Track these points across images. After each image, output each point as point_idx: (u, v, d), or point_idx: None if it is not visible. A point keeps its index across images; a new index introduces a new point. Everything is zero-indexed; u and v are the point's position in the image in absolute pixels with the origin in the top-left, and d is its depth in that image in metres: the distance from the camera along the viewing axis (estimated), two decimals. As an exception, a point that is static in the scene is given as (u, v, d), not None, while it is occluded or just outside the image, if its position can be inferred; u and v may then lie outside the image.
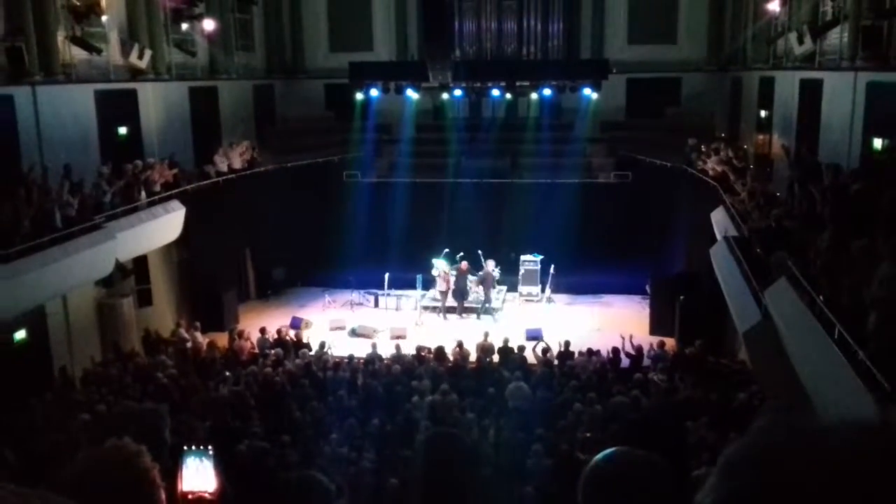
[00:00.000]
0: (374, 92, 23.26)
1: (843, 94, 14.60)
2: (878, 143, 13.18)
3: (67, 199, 14.77)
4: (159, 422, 2.97)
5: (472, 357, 16.48)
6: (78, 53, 17.21)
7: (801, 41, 17.02)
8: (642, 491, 1.83)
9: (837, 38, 15.76)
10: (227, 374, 15.26)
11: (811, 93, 16.46)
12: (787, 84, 18.20)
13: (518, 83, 23.44)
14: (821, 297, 9.02)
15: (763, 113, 20.42)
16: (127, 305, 17.60)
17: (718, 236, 15.49)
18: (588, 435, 11.56)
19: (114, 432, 2.12)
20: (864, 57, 13.79)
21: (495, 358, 16.37)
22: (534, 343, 17.26)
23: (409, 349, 16.75)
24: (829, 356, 8.17)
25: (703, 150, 20.08)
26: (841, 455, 0.89)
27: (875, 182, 12.03)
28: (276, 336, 17.68)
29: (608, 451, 1.89)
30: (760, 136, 20.48)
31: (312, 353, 16.71)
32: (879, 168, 12.73)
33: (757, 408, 11.90)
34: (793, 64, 18.00)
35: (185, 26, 21.66)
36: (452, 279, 20.84)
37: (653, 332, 18.89)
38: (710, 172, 18.67)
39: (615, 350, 16.16)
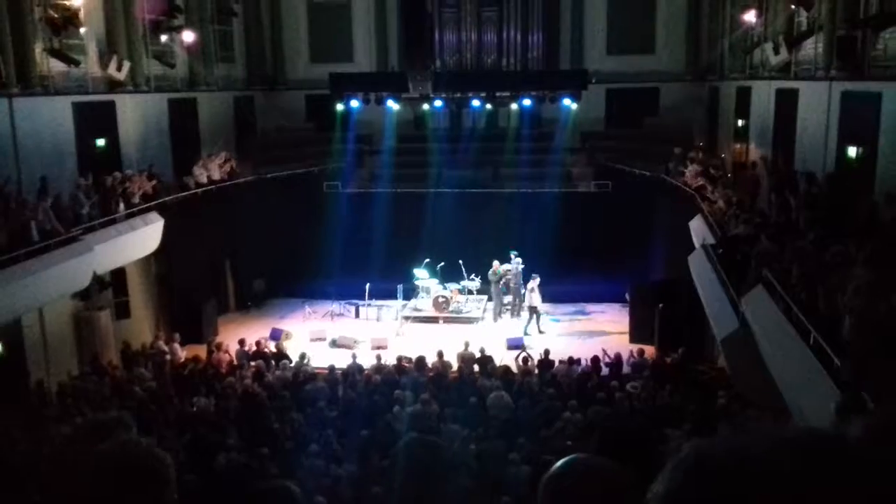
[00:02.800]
0: (354, 103, 23.30)
1: (818, 103, 14.77)
2: (852, 151, 13.34)
3: (44, 211, 14.62)
4: (123, 430, 2.94)
5: (454, 367, 16.46)
6: (56, 65, 17.09)
7: (776, 51, 17.21)
8: (600, 499, 1.81)
9: (812, 48, 15.95)
10: (203, 388, 15.14)
11: (787, 102, 16.63)
12: (764, 94, 18.39)
13: (498, 94, 23.59)
14: (796, 305, 9.10)
15: (740, 122, 20.61)
16: (105, 318, 17.45)
17: (696, 244, 15.59)
18: (569, 444, 11.56)
19: (80, 443, 2.11)
20: (839, 67, 13.96)
21: (476, 367, 16.36)
22: (515, 352, 17.29)
23: (389, 359, 16.70)
24: (805, 363, 8.23)
25: (688, 158, 20.24)
26: (780, 460, 0.93)
27: (849, 189, 12.21)
28: (255, 348, 17.59)
29: (566, 458, 1.87)
30: (738, 145, 20.67)
31: (292, 364, 16.63)
32: (853, 176, 12.92)
33: (736, 413, 11.98)
34: (769, 74, 18.19)
35: (164, 38, 21.56)
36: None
37: (633, 339, 18.96)
38: (690, 181, 18.82)
39: (595, 358, 16.21)
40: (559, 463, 1.87)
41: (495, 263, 21.01)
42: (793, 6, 17.10)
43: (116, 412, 3.11)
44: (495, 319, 21.20)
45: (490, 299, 21.89)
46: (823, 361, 7.79)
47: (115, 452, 1.96)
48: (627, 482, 1.83)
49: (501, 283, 21.12)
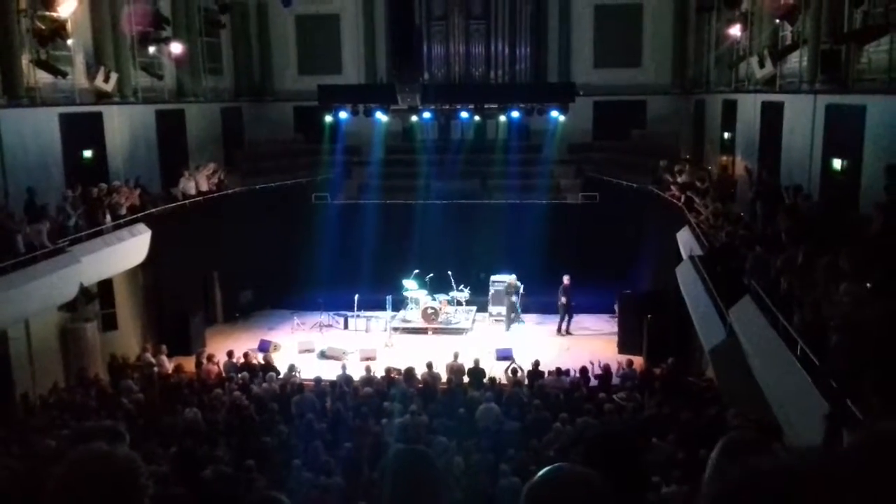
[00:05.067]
0: (343, 114, 23.34)
1: (803, 116, 14.90)
2: (836, 163, 13.46)
3: (37, 233, 14.52)
4: (119, 439, 2.94)
5: (443, 378, 16.44)
6: (43, 76, 17.03)
7: (762, 65, 17.37)
8: None
9: (797, 61, 16.12)
10: (195, 399, 15.04)
11: (772, 115, 16.78)
12: (749, 107, 18.54)
13: (486, 106, 23.70)
14: (783, 316, 9.16)
15: (726, 135, 20.77)
16: (91, 330, 17.34)
17: (684, 255, 15.68)
18: (552, 454, 11.55)
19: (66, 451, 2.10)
20: (823, 80, 14.10)
21: (465, 379, 16.35)
22: (505, 363, 17.29)
23: (378, 371, 16.67)
24: (792, 373, 8.28)
25: (675, 170, 20.34)
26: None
27: (834, 202, 12.32)
28: (243, 360, 17.51)
29: (548, 468, 1.91)
30: (724, 158, 20.82)
31: (280, 376, 16.57)
32: (838, 188, 13.04)
33: (725, 424, 12.01)
34: (754, 87, 18.35)
35: (152, 49, 21.55)
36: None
37: (621, 350, 19.02)
38: (677, 194, 18.92)
39: (583, 369, 16.24)
40: (540, 473, 1.91)
41: (511, 277, 21.17)
42: (777, 20, 17.27)
43: (109, 422, 3.10)
44: (507, 328, 21.38)
45: (478, 310, 22.03)
46: (810, 371, 7.84)
47: (87, 459, 1.95)
48: (607, 491, 1.87)
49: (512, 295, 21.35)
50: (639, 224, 22.03)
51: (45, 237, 14.63)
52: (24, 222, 14.56)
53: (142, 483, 1.97)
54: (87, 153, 18.60)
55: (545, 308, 22.10)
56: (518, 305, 21.43)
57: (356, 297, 21.22)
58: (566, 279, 20.80)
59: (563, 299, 20.93)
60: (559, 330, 21.14)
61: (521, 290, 21.47)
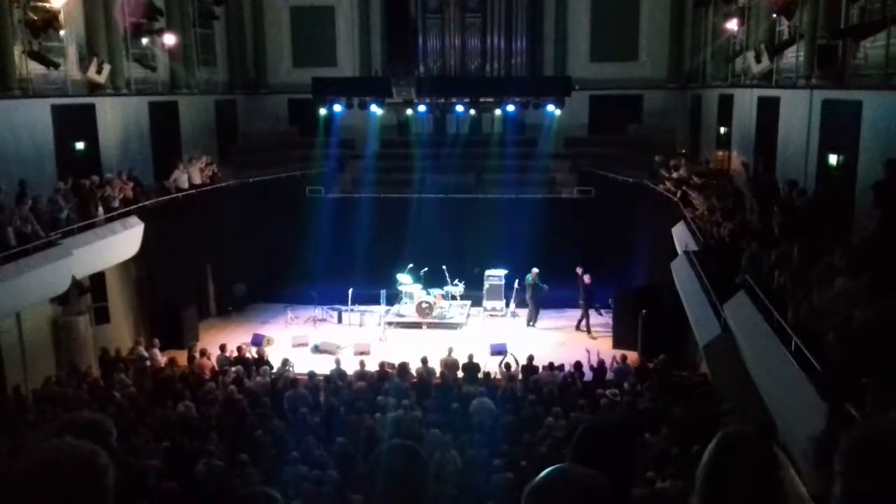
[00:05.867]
0: (337, 107, 23.23)
1: (799, 111, 14.85)
2: (833, 159, 13.41)
3: (23, 217, 14.41)
4: (103, 433, 2.89)
5: (437, 373, 16.40)
6: (35, 68, 16.89)
7: (758, 60, 17.33)
8: None
9: (794, 56, 16.07)
10: (188, 393, 14.98)
11: (769, 110, 16.73)
12: (746, 101, 18.49)
13: (482, 99, 23.60)
14: (777, 311, 9.13)
15: (722, 129, 20.73)
16: (83, 323, 17.24)
17: (679, 251, 15.64)
18: (544, 450, 11.53)
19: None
20: (820, 75, 14.04)
21: (460, 374, 16.32)
22: (499, 358, 17.27)
23: (372, 365, 16.63)
24: (787, 369, 8.25)
25: (671, 164, 20.31)
26: None
27: (830, 197, 12.29)
28: (236, 353, 17.44)
29: (549, 469, 1.91)
30: (720, 152, 20.79)
31: (274, 370, 16.51)
32: (834, 184, 13.01)
33: (720, 420, 11.99)
34: (751, 82, 18.31)
35: (145, 41, 21.40)
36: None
37: (616, 345, 19.02)
38: (673, 189, 18.90)
39: (578, 364, 16.21)
40: (541, 475, 1.92)
41: (534, 270, 21.07)
42: (774, 15, 17.22)
43: (99, 416, 3.07)
44: (528, 324, 21.34)
45: (472, 304, 22.01)
46: (804, 367, 7.81)
47: (49, 453, 1.95)
48: (608, 492, 1.88)
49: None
50: (635, 219, 22.00)
51: (33, 218, 14.47)
52: (15, 212, 14.45)
53: (106, 479, 1.97)
54: (80, 145, 18.45)
55: (540, 302, 22.03)
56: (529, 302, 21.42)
57: (350, 291, 21.19)
58: (586, 277, 20.63)
59: (581, 297, 20.82)
60: (587, 329, 20.90)
61: (516, 285, 21.49)
